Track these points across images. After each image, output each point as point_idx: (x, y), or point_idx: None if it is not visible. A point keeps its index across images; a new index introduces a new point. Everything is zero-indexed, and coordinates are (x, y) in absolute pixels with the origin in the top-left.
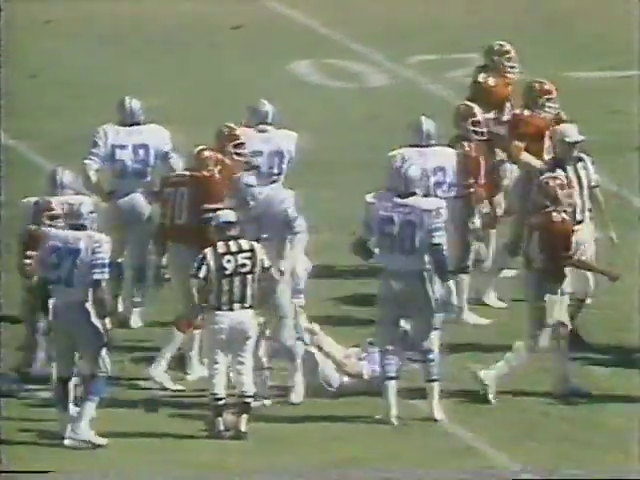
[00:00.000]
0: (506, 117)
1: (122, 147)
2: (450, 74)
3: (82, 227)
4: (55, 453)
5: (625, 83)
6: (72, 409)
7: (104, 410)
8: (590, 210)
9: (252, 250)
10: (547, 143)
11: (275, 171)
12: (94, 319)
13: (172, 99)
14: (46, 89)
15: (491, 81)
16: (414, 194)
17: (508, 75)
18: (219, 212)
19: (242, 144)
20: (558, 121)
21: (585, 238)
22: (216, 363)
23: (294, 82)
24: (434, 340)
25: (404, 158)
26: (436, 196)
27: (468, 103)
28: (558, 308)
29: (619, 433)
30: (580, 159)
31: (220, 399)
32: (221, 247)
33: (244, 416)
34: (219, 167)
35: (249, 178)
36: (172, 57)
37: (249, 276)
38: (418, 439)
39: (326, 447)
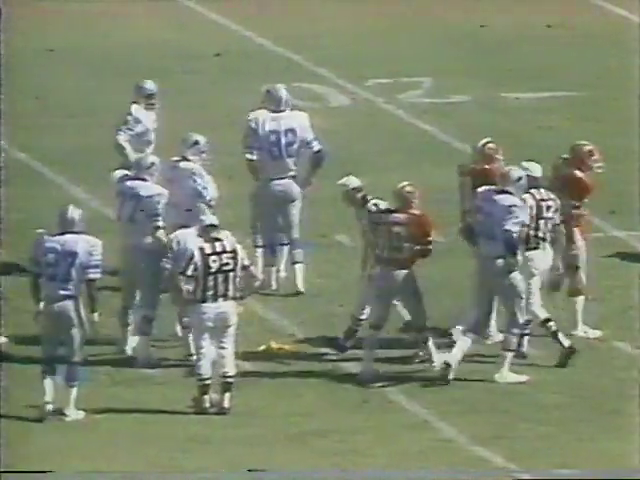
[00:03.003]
0: None
1: None
2: (401, 95)
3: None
4: (54, 451)
5: (555, 102)
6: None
7: (104, 388)
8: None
9: (234, 251)
10: None
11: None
12: (82, 311)
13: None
14: (48, 109)
15: None
16: (507, 192)
17: None
18: (203, 216)
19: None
20: None
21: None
22: (202, 348)
23: None
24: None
25: (257, 120)
26: (289, 155)
27: None
28: None
29: (556, 409)
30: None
31: (205, 379)
32: (208, 248)
33: (227, 394)
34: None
35: None
36: (156, 82)
37: (231, 273)
38: (377, 414)
39: (293, 420)
